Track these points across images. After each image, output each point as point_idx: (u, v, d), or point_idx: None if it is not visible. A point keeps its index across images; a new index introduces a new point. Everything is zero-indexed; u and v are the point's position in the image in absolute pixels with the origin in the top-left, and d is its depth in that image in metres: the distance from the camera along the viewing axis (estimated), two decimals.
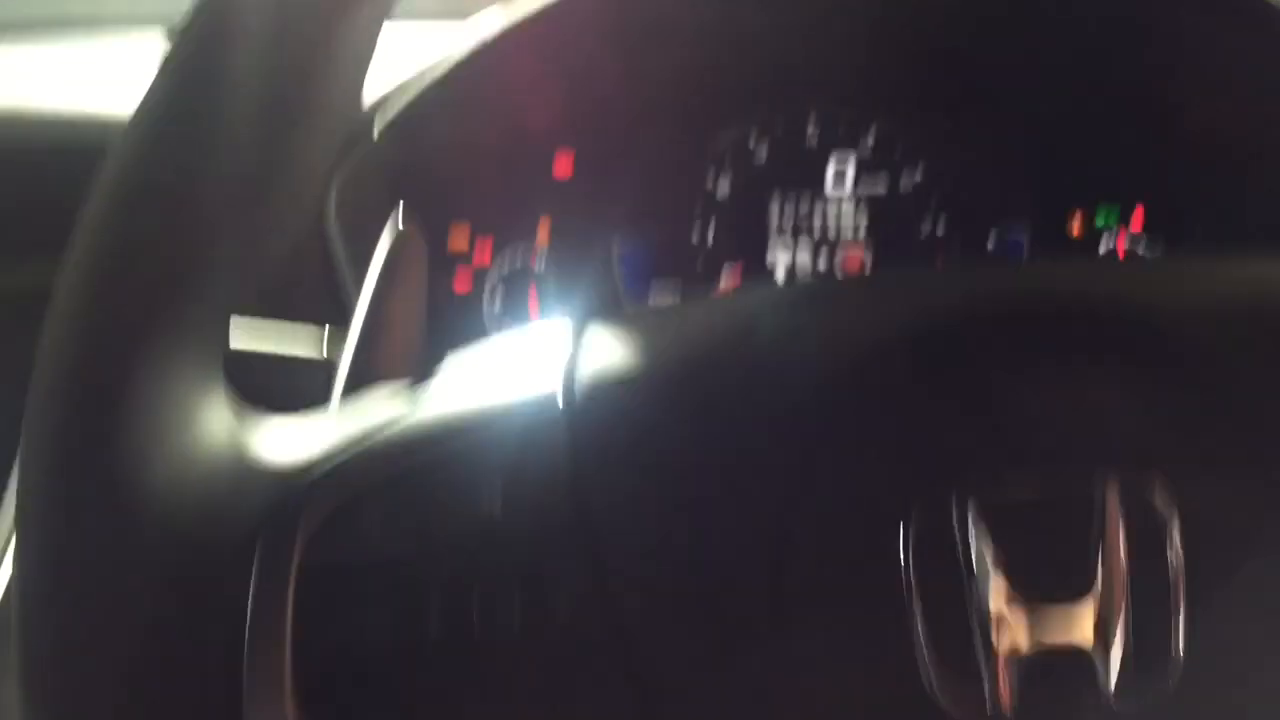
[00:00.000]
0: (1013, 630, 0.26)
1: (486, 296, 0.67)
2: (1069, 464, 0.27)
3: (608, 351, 0.31)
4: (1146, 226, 0.65)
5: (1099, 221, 0.66)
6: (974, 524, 0.26)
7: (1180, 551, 0.26)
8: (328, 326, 0.57)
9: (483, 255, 0.67)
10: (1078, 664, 0.26)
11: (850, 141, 0.69)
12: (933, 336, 0.29)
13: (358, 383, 0.36)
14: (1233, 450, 0.27)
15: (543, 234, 0.68)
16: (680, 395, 0.30)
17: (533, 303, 0.68)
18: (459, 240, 0.66)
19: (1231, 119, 0.61)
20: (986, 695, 0.26)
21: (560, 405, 0.29)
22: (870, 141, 0.69)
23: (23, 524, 0.28)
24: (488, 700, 0.28)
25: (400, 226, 0.37)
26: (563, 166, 0.68)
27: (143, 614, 0.28)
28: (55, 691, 0.28)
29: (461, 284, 0.67)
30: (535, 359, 0.32)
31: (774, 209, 0.70)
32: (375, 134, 0.57)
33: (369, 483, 0.29)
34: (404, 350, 0.37)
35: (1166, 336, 0.28)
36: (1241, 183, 0.61)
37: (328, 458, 0.30)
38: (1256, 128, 0.60)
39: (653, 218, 0.68)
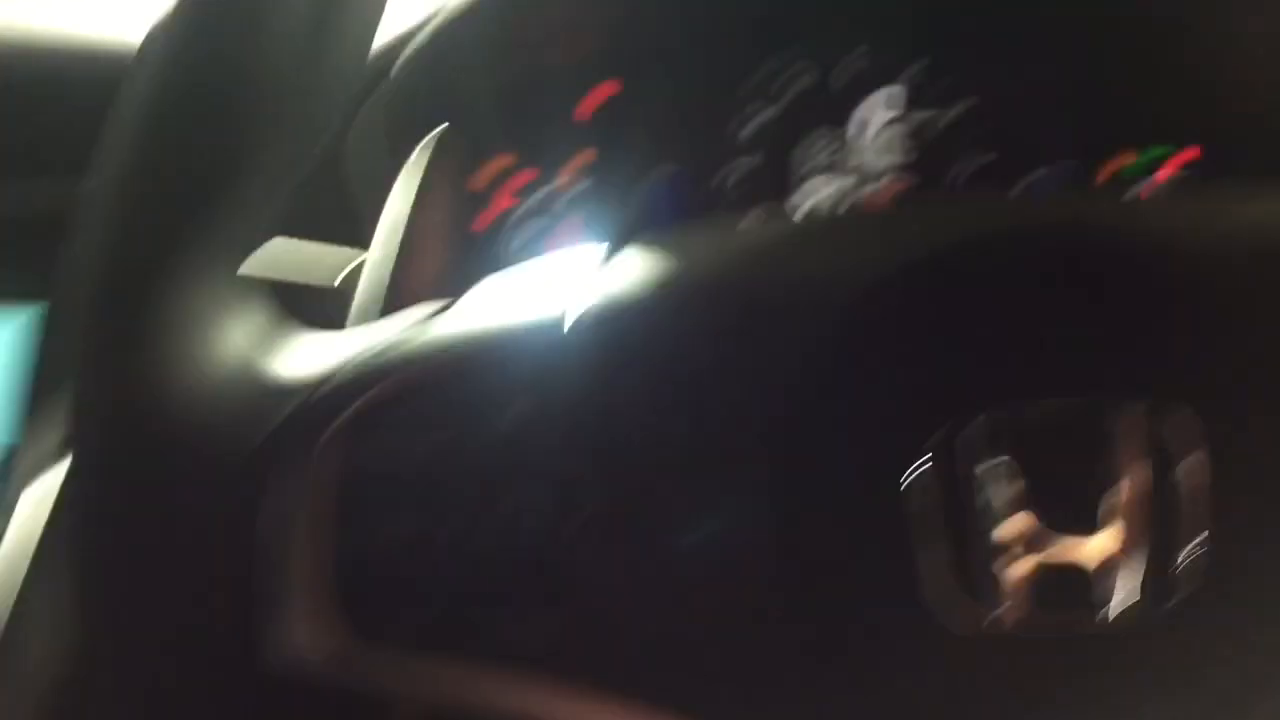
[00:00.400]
0: (1018, 550, 0.26)
1: (515, 223, 0.67)
2: (1088, 391, 0.27)
3: (634, 272, 0.31)
4: (1190, 170, 0.63)
5: (1141, 162, 0.64)
6: (988, 447, 0.26)
7: (1194, 481, 0.26)
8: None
9: (504, 194, 0.67)
10: (1081, 585, 0.26)
11: (889, 77, 0.68)
12: (956, 262, 0.29)
13: (382, 304, 0.36)
14: (1255, 383, 0.27)
15: (566, 174, 0.67)
16: (704, 315, 0.30)
17: (561, 231, 0.67)
18: (480, 178, 0.66)
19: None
20: (987, 612, 0.26)
21: (585, 322, 0.30)
22: (910, 76, 0.68)
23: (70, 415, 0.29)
24: (511, 587, 0.28)
25: (438, 139, 0.37)
26: (588, 105, 0.67)
27: (168, 519, 0.28)
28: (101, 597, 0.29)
29: (481, 222, 0.66)
30: (561, 281, 0.32)
31: (809, 142, 0.69)
32: (401, 63, 0.57)
33: (389, 389, 0.29)
34: (430, 273, 0.37)
35: (1193, 267, 0.28)
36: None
37: (349, 365, 0.30)
38: None
39: (687, 148, 0.67)
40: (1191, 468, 0.26)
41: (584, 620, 0.28)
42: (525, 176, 0.66)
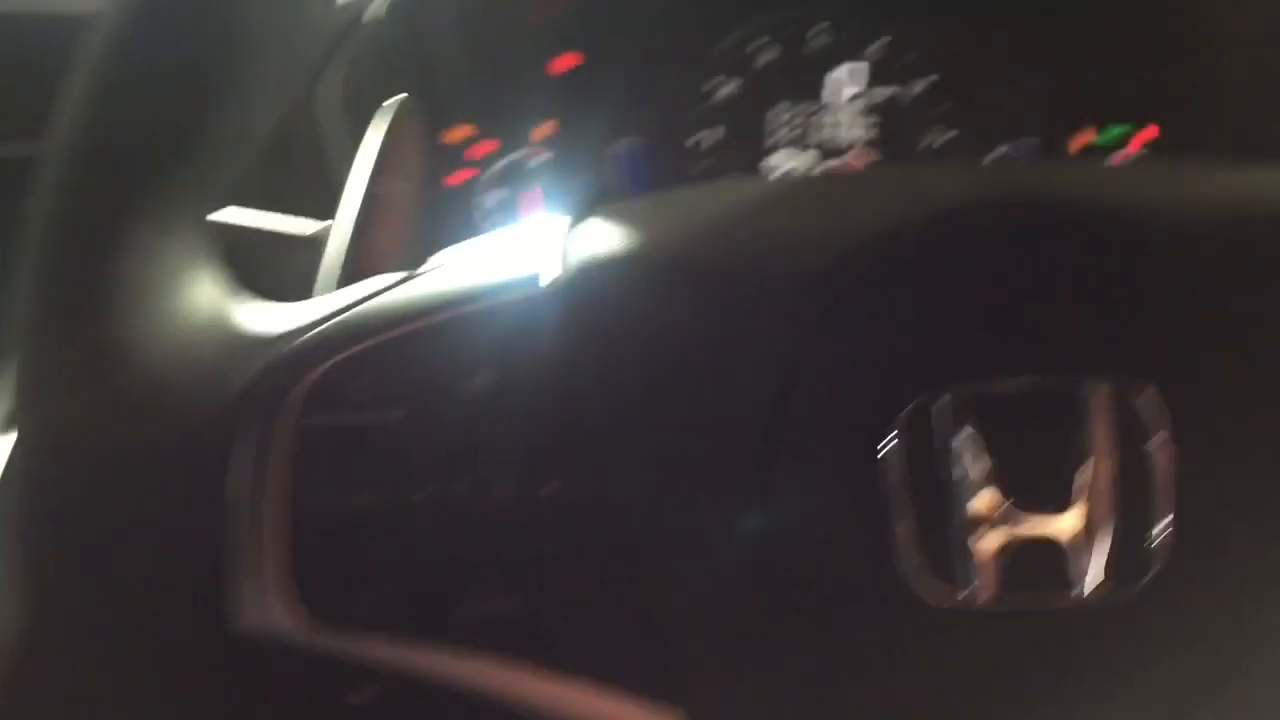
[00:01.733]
0: (991, 524, 0.26)
1: (479, 191, 0.66)
2: (1059, 367, 0.27)
3: (604, 235, 0.31)
4: (1151, 148, 0.64)
5: (1102, 140, 0.65)
6: (960, 422, 0.27)
7: (1164, 458, 0.26)
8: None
9: (478, 149, 0.66)
10: (1054, 559, 0.26)
11: (856, 50, 0.67)
12: (929, 234, 0.28)
13: (349, 270, 0.35)
14: (1222, 360, 0.27)
15: (540, 131, 0.66)
16: (674, 279, 0.29)
17: (526, 200, 0.67)
18: (454, 132, 0.65)
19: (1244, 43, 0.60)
20: (960, 586, 0.26)
21: (551, 290, 0.29)
22: (876, 51, 0.67)
23: (17, 386, 0.28)
24: (472, 561, 0.28)
25: (399, 106, 0.36)
26: (563, 63, 0.66)
27: (131, 474, 0.28)
28: (53, 555, 0.28)
29: (455, 177, 0.66)
30: (531, 244, 0.31)
31: (776, 115, 0.68)
32: (373, 17, 0.55)
33: (359, 346, 0.29)
34: (398, 238, 0.36)
35: (1162, 242, 0.28)
36: (1247, 113, 0.60)
37: (316, 324, 0.30)
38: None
39: (652, 119, 0.67)
40: (1159, 444, 0.26)
41: (546, 597, 0.28)
42: (486, 147, 0.65)
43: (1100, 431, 0.26)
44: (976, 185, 0.30)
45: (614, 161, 0.66)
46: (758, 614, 0.27)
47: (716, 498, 0.27)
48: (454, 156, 0.65)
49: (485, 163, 0.66)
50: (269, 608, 0.28)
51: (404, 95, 0.36)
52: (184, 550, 0.29)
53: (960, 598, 0.26)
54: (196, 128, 0.30)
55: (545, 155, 0.66)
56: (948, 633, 0.26)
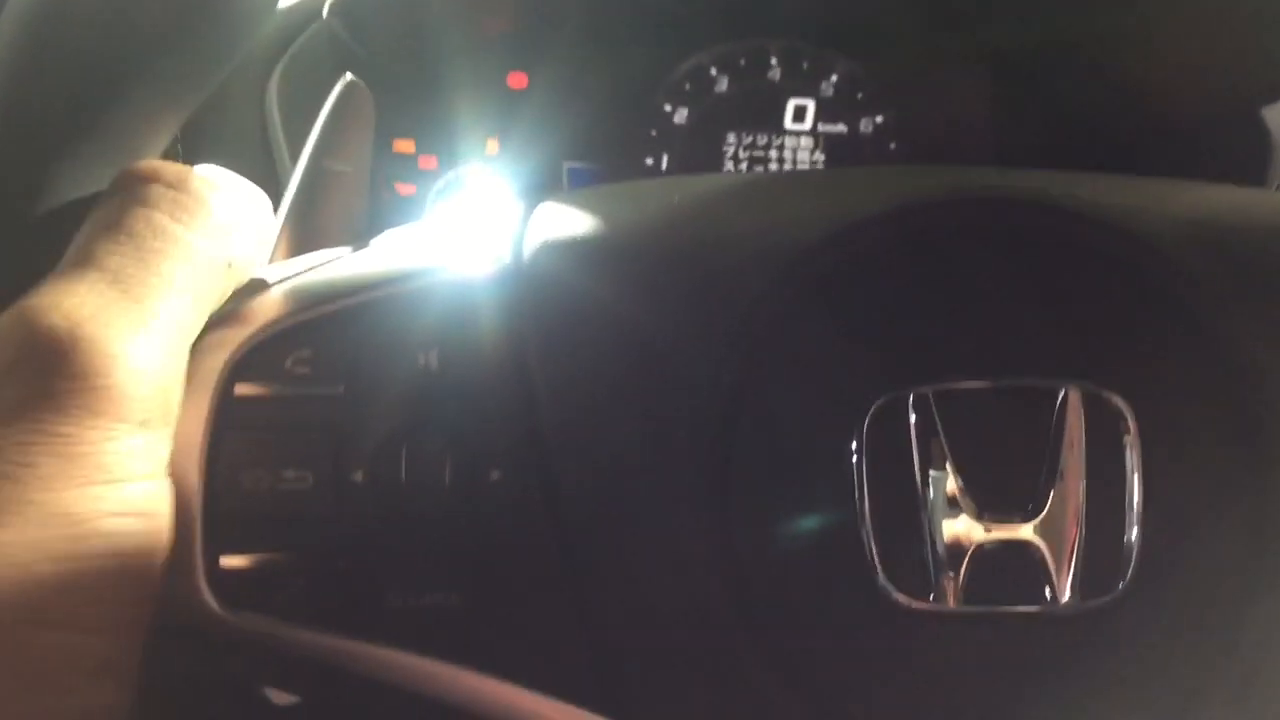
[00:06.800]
0: (963, 525, 0.25)
1: (430, 201, 0.65)
2: (1030, 372, 0.26)
3: (558, 219, 0.29)
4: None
5: None
6: (928, 423, 0.26)
7: (1136, 463, 0.26)
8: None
9: (429, 159, 0.65)
10: (1026, 560, 0.25)
11: (812, 80, 0.68)
12: (900, 230, 0.28)
13: (291, 244, 0.34)
14: (1197, 371, 0.26)
15: (493, 144, 0.65)
16: (630, 266, 0.28)
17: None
18: (405, 141, 0.64)
19: (1192, 87, 0.61)
20: (933, 586, 0.25)
21: (506, 263, 0.28)
22: (832, 82, 0.68)
23: None
24: (406, 550, 0.26)
25: (347, 86, 0.35)
26: (518, 77, 0.65)
27: None
28: None
29: (405, 186, 0.64)
30: (483, 226, 0.30)
31: (731, 139, 0.68)
32: (324, 12, 0.54)
33: (297, 317, 0.27)
34: (343, 215, 0.35)
35: (1143, 250, 0.27)
36: (1200, 153, 0.61)
37: (252, 290, 0.28)
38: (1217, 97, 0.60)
39: (607, 138, 0.66)
40: (1126, 449, 0.26)
41: (483, 592, 0.26)
42: (425, 161, 0.64)
43: (1071, 433, 0.26)
44: (949, 182, 0.30)
45: (566, 178, 0.66)
46: (712, 618, 0.25)
47: (670, 495, 0.26)
48: (402, 163, 0.64)
49: (435, 170, 0.65)
50: (189, 591, 0.26)
51: (352, 77, 0.35)
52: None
53: (931, 599, 0.25)
54: (125, 84, 0.28)
55: (496, 167, 0.65)
56: (917, 635, 0.25)
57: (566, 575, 0.26)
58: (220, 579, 0.26)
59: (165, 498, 0.25)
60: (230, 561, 0.26)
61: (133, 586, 0.24)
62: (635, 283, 0.28)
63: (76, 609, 0.23)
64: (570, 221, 0.29)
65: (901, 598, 0.25)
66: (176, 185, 0.27)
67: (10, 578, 0.21)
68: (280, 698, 0.31)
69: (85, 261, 0.25)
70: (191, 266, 0.26)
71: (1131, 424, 0.26)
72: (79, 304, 0.24)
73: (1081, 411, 0.26)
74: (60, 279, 0.25)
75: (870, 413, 0.26)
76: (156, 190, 0.26)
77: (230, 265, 0.28)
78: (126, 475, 0.24)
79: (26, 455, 0.22)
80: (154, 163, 0.27)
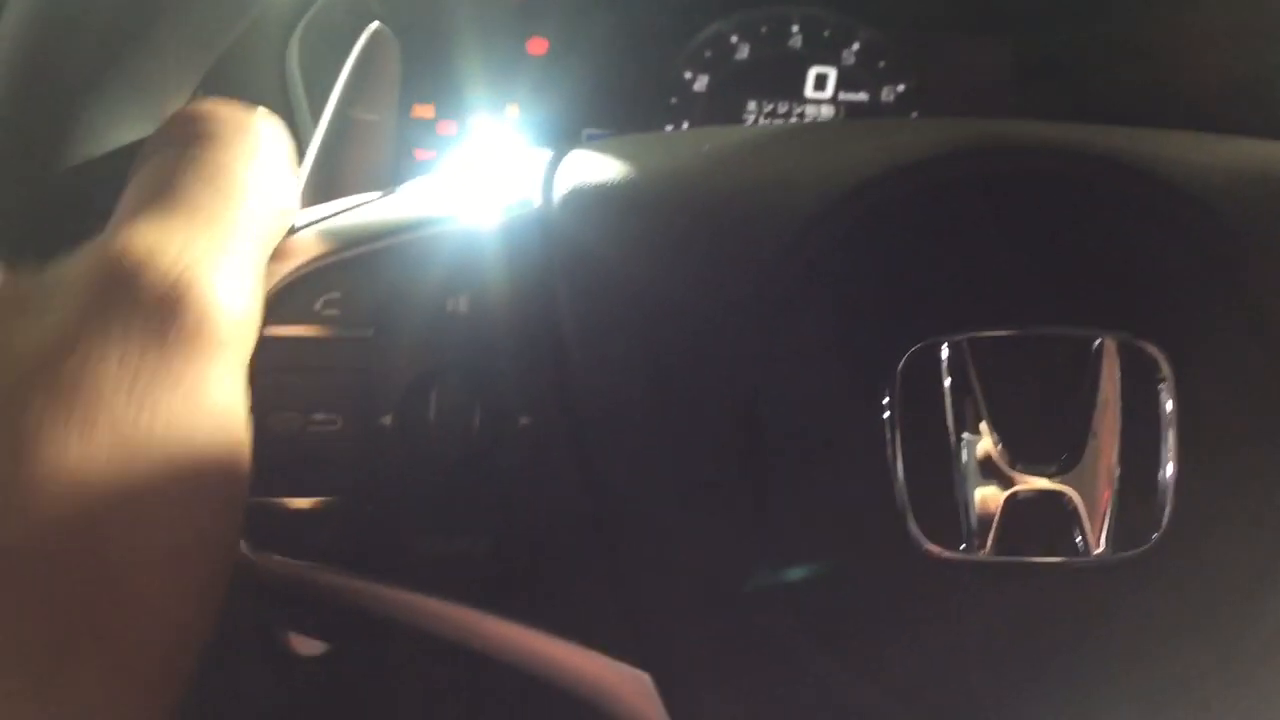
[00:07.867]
0: (996, 476, 0.25)
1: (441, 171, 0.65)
2: (1065, 321, 0.26)
3: (588, 167, 0.29)
4: None
5: None
6: (962, 374, 0.25)
7: (1171, 414, 0.25)
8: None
9: (448, 124, 0.64)
10: (1060, 511, 0.25)
11: (833, 49, 0.67)
12: (934, 180, 0.27)
13: (318, 190, 0.33)
14: (1233, 321, 0.26)
15: (512, 109, 0.65)
16: (660, 212, 0.28)
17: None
18: (424, 106, 0.63)
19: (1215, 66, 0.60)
20: (965, 535, 0.25)
21: (535, 209, 0.28)
22: (854, 50, 0.67)
23: None
24: (434, 494, 0.26)
25: (374, 33, 0.34)
26: (538, 43, 0.65)
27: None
28: None
29: (425, 152, 0.64)
30: (512, 174, 0.30)
31: (751, 107, 0.68)
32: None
33: (327, 260, 0.27)
34: (370, 164, 0.34)
35: (1181, 199, 0.27)
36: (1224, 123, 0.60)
37: (282, 241, 0.28)
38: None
39: (626, 105, 0.66)
40: (1162, 399, 0.25)
41: (512, 539, 0.26)
42: (469, 109, 0.64)
43: (1106, 384, 0.25)
44: (987, 131, 0.29)
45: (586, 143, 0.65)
46: (742, 566, 0.25)
47: (700, 441, 0.26)
48: (421, 129, 0.64)
49: (454, 136, 0.64)
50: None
51: (378, 24, 0.35)
52: None
53: (963, 549, 0.25)
54: (145, 33, 0.28)
55: (515, 133, 0.65)
56: (948, 585, 0.25)
57: (594, 521, 0.26)
58: (248, 522, 0.26)
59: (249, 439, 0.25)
60: (258, 504, 0.26)
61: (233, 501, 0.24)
62: (665, 229, 0.27)
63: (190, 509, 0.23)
64: (600, 168, 0.29)
65: (933, 547, 0.25)
66: (242, 128, 0.27)
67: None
68: (305, 646, 0.31)
69: (171, 203, 0.25)
70: (265, 210, 0.26)
71: (1168, 374, 0.25)
72: (181, 250, 0.23)
73: (1117, 361, 0.26)
74: (147, 219, 0.24)
75: (904, 360, 0.25)
76: (228, 131, 0.26)
77: (283, 209, 0.28)
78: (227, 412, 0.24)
79: (146, 396, 0.22)
80: (215, 104, 0.27)
